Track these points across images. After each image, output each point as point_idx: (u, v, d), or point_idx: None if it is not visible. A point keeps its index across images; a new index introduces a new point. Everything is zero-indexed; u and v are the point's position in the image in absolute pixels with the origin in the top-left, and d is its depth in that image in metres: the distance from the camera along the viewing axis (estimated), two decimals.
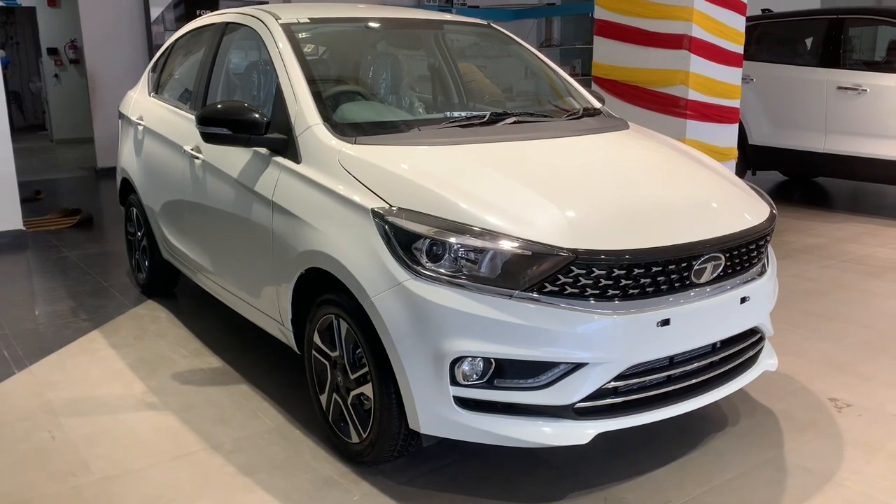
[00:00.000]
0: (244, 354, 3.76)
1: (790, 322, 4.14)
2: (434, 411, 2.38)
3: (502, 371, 2.35)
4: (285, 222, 2.85)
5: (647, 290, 2.40)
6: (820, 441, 2.92)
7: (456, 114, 3.41)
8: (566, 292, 2.32)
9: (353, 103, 3.21)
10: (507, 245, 2.31)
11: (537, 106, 3.82)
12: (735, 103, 6.27)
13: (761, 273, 2.76)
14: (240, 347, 3.85)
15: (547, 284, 2.31)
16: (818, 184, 8.48)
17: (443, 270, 2.33)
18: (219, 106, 3.02)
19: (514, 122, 3.10)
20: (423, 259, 2.35)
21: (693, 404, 2.56)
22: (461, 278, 2.32)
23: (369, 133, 2.88)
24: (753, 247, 2.69)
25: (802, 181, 8.61)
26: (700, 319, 2.51)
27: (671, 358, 2.50)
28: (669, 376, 2.52)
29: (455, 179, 2.56)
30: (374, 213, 2.46)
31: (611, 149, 3.09)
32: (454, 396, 2.35)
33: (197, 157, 3.58)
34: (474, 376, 2.34)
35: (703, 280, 2.52)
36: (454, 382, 2.34)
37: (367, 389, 2.58)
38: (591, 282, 2.32)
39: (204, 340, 3.98)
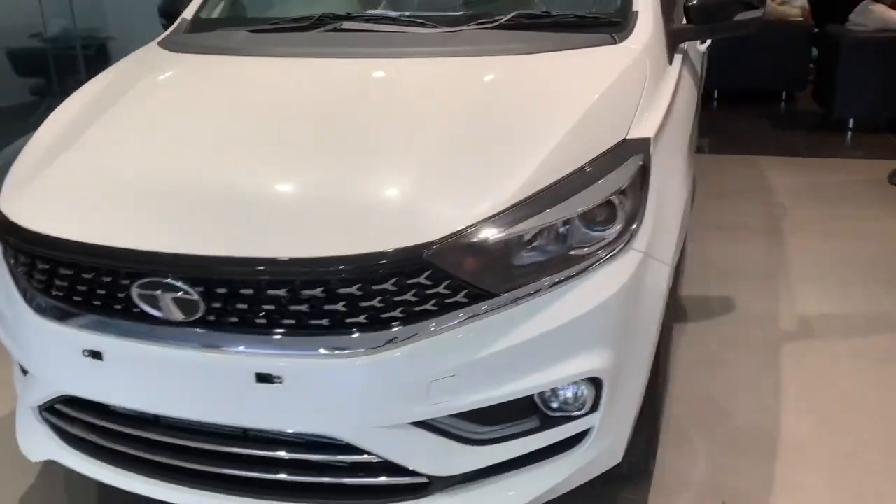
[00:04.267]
0: None
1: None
2: None
3: None
4: None
5: (77, 299, 1.75)
6: None
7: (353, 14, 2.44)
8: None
9: None
10: None
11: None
12: None
13: (362, 348, 1.56)
14: None
15: None
16: None
17: None
18: None
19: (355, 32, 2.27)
20: None
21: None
22: None
23: (214, 27, 2.51)
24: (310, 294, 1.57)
25: None
26: (161, 374, 1.70)
27: (157, 417, 1.79)
28: (171, 443, 1.80)
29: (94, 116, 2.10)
30: None
31: (392, 86, 2.09)
32: None
33: None
34: None
35: (178, 317, 1.64)
36: None
37: None
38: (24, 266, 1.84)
39: None
